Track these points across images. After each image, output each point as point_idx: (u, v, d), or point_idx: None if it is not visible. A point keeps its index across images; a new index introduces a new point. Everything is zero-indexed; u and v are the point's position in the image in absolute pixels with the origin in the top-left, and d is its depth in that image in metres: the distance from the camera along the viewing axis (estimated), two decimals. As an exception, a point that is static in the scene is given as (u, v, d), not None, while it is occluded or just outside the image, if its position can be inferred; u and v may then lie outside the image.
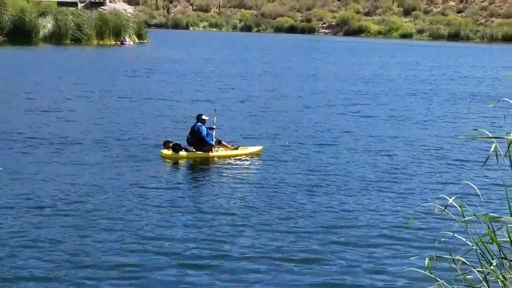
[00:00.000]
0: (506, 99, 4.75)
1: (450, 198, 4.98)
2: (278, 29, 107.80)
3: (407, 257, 9.28)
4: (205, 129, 15.70)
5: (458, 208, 4.87)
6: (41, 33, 53.56)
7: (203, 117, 15.86)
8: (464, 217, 4.72)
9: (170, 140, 15.85)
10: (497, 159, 4.77)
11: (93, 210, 11.12)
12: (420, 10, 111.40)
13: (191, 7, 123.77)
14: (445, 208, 4.78)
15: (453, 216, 5.31)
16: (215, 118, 15.88)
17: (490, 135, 4.96)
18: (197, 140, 15.67)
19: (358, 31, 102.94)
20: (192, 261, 9.09)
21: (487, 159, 4.92)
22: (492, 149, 4.74)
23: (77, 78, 31.18)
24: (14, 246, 9.29)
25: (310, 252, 9.54)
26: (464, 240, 4.91)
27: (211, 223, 10.65)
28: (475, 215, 4.80)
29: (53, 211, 10.97)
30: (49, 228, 10.12)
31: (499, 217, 4.80)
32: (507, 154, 4.74)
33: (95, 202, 11.58)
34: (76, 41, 54.16)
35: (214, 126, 15.83)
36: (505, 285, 4.68)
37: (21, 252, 9.12)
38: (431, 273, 4.98)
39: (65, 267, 8.67)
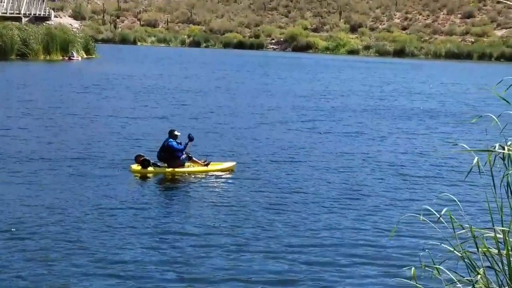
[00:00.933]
0: (490, 114, 4.84)
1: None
2: (227, 45, 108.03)
3: (388, 272, 9.23)
4: (177, 144, 15.54)
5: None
6: (-16, 49, 52.32)
7: (176, 132, 15.69)
8: (453, 227, 4.78)
9: (141, 154, 15.63)
10: (479, 172, 4.84)
11: (50, 233, 10.66)
12: (366, 27, 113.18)
13: (138, 22, 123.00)
14: (438, 219, 4.82)
15: (437, 229, 5.37)
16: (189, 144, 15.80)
17: (469, 149, 5.05)
18: (170, 156, 15.52)
19: (306, 47, 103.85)
20: (156, 286, 8.75)
21: (469, 172, 4.99)
22: (474, 162, 4.82)
23: (25, 94, 30.40)
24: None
25: (282, 274, 9.29)
26: (451, 250, 4.94)
27: (176, 245, 10.33)
28: (461, 226, 4.86)
29: (7, 235, 10.49)
30: (2, 254, 9.65)
31: (485, 228, 4.87)
32: (485, 167, 4.83)
33: (52, 224, 11.11)
34: (22, 56, 53.05)
35: (189, 153, 15.80)
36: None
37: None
38: (417, 284, 5.00)
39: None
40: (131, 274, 9.08)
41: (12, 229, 10.77)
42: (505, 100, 4.82)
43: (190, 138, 15.73)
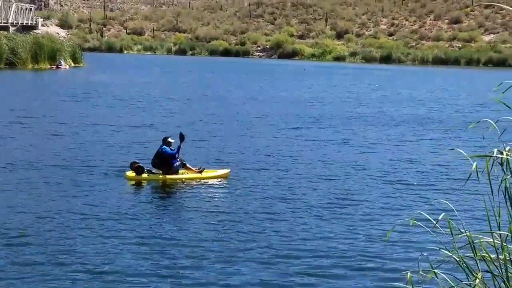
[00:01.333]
0: (487, 119, 4.83)
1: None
2: (213, 52, 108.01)
3: (384, 279, 9.19)
4: (170, 150, 15.58)
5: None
6: (-27, 58, 52.04)
7: (169, 139, 15.77)
8: (451, 232, 4.77)
9: (136, 161, 15.70)
10: (477, 178, 4.83)
11: (41, 242, 10.53)
12: (352, 33, 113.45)
13: (125, 30, 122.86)
14: (434, 226, 4.81)
15: (433, 236, 5.34)
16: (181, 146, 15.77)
17: (466, 154, 5.05)
18: (164, 162, 15.54)
19: (292, 54, 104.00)
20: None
21: (469, 177, 4.98)
22: (473, 168, 4.82)
23: (14, 103, 30.18)
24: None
25: (274, 284, 9.18)
26: (449, 255, 4.93)
27: (167, 254, 10.23)
28: (460, 230, 4.85)
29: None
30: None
31: (482, 233, 4.87)
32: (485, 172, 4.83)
33: (43, 233, 10.98)
34: (11, 65, 52.81)
35: (180, 157, 15.80)
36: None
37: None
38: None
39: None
40: (122, 284, 8.97)
41: (2, 238, 10.63)
42: (506, 105, 4.80)
43: (181, 138, 15.74)
